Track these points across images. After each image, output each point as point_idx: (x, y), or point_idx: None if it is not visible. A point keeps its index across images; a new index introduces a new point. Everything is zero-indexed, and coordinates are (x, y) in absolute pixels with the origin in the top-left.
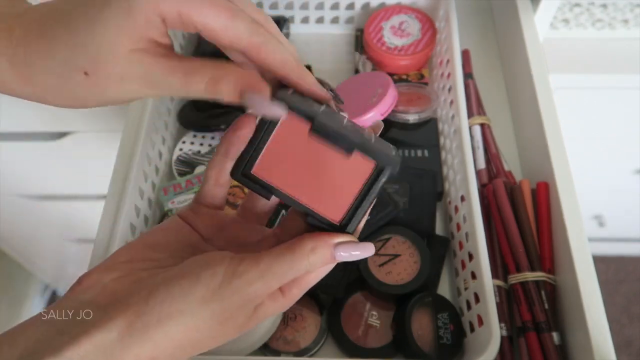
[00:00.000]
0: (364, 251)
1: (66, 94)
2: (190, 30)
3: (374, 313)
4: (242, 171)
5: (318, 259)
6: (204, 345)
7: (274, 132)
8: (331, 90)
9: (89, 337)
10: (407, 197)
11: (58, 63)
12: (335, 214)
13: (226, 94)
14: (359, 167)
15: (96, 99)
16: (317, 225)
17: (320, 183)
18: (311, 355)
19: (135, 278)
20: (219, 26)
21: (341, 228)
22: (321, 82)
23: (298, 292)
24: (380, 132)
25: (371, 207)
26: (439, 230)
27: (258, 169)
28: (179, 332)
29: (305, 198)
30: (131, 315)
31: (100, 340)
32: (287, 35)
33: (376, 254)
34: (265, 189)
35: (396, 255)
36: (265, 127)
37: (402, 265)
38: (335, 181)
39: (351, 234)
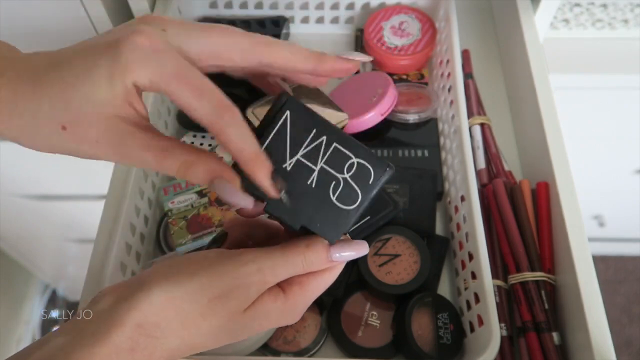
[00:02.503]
0: (358, 250)
1: (40, 141)
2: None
3: (374, 313)
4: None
5: (313, 256)
6: (194, 324)
7: (268, 141)
8: (283, 182)
9: (86, 314)
10: (407, 197)
11: (40, 110)
12: None
13: (196, 179)
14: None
15: (68, 152)
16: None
17: None
18: (311, 355)
19: None
20: (185, 104)
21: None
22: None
23: (300, 293)
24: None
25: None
26: (439, 230)
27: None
28: (163, 300)
29: None
30: (120, 289)
31: (94, 309)
32: (287, 35)
33: (376, 253)
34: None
35: (396, 255)
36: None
37: (402, 265)
38: None
39: (345, 233)
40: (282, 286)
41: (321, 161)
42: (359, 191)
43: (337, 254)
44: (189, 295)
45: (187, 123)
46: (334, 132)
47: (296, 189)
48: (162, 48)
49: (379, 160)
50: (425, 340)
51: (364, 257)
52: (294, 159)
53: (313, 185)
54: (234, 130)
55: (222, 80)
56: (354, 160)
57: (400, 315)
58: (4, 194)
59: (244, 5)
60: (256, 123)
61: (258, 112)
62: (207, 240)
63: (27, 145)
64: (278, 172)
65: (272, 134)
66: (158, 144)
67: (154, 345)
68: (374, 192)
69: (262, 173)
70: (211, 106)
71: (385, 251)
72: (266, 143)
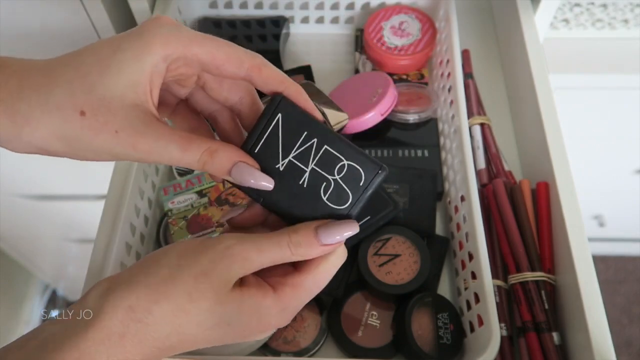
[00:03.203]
0: (347, 228)
1: (50, 129)
2: (192, 68)
3: (374, 313)
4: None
5: (300, 237)
6: (182, 310)
7: (260, 145)
8: None
9: (78, 303)
10: (407, 197)
11: (55, 95)
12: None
13: (218, 166)
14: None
15: (81, 144)
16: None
17: None
18: (311, 355)
19: None
20: (223, 54)
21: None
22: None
23: (292, 294)
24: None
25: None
26: (439, 230)
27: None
28: (154, 282)
29: None
30: (112, 278)
31: (85, 301)
32: (287, 35)
33: (376, 253)
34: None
35: (396, 255)
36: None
37: (402, 265)
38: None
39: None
40: (272, 285)
41: (312, 163)
42: (349, 192)
43: (325, 237)
44: (176, 272)
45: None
46: (325, 134)
47: (288, 188)
48: (178, 25)
49: (372, 163)
50: (425, 340)
51: (364, 258)
52: (286, 160)
53: (305, 185)
54: (271, 65)
55: None
56: (345, 162)
57: (400, 315)
58: (4, 194)
59: (244, 5)
60: None
61: None
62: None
63: (29, 140)
64: (271, 172)
65: (265, 135)
66: (179, 133)
67: (144, 332)
68: (367, 193)
69: (306, 95)
70: (245, 52)
71: (385, 251)
72: (260, 144)
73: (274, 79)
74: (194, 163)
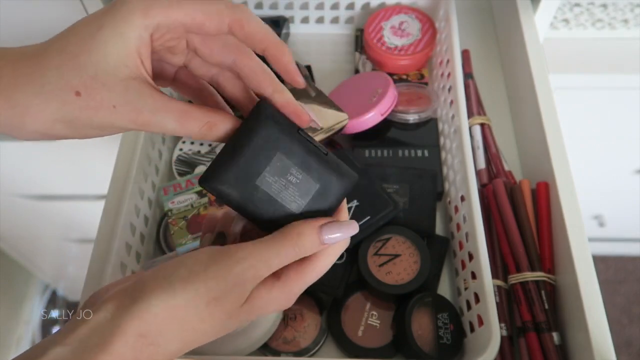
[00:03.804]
0: (348, 229)
1: (49, 114)
2: (177, 33)
3: (374, 313)
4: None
5: (306, 242)
6: (194, 328)
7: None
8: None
9: (86, 322)
10: (407, 197)
11: (48, 80)
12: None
13: (217, 138)
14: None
15: (80, 123)
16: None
17: None
18: (311, 355)
19: None
20: (202, 14)
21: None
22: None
23: (295, 279)
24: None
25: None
26: (439, 230)
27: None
28: (161, 309)
29: None
30: (121, 297)
31: (94, 322)
32: (287, 35)
33: (376, 253)
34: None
35: (396, 255)
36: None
37: (402, 265)
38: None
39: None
40: (276, 273)
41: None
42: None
43: (327, 236)
44: (186, 302)
45: None
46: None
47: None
48: None
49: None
50: (425, 340)
51: (364, 258)
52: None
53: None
54: (255, 19)
55: None
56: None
57: (400, 315)
58: (4, 194)
59: None
60: None
61: None
62: None
63: (31, 127)
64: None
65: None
66: (177, 106)
67: (157, 352)
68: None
69: (289, 56)
70: (227, 6)
71: (385, 251)
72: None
73: (255, 36)
74: (193, 134)
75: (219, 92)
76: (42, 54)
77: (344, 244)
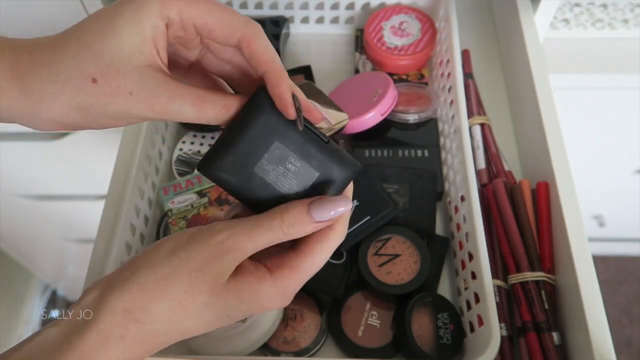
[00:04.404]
0: (340, 204)
1: (64, 102)
2: (189, 32)
3: (374, 313)
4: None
5: (291, 216)
6: (179, 305)
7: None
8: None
9: (77, 303)
10: (407, 197)
11: (64, 69)
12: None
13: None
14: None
15: (96, 111)
16: None
17: None
18: (311, 355)
19: None
20: (217, 19)
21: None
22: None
23: (290, 275)
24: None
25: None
26: (439, 230)
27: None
28: (147, 280)
29: None
30: (112, 276)
31: (84, 302)
32: (287, 35)
33: (376, 253)
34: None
35: (396, 255)
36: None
37: (402, 265)
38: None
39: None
40: (269, 268)
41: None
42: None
43: (318, 213)
44: (171, 271)
45: (187, 123)
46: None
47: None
48: None
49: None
50: (425, 340)
51: (364, 258)
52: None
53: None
54: (264, 40)
55: None
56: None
57: (400, 315)
58: (4, 194)
59: (244, 5)
60: None
61: None
62: None
63: (47, 116)
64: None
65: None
66: (193, 91)
67: (144, 332)
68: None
69: (287, 84)
70: (240, 18)
71: (385, 251)
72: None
73: (259, 57)
74: (210, 120)
75: (231, 87)
76: (59, 44)
77: (339, 237)
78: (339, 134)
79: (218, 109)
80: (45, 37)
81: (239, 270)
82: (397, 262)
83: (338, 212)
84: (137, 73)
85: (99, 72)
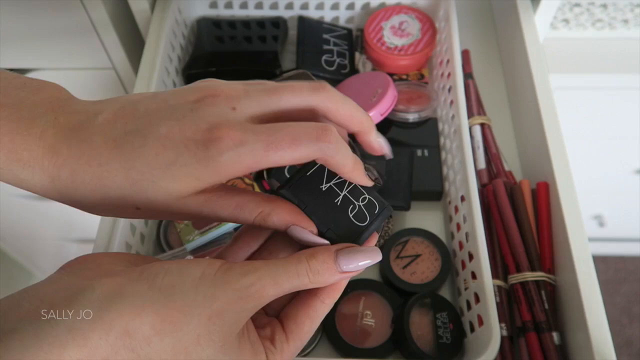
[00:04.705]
0: (370, 256)
1: (106, 211)
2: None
3: (368, 312)
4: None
5: (318, 264)
6: (187, 349)
7: (312, 170)
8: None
9: (70, 302)
10: (383, 171)
11: (109, 198)
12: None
13: (273, 227)
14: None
15: (132, 217)
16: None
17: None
18: (305, 355)
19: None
20: (291, 158)
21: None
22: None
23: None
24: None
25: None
26: (439, 230)
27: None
28: (162, 306)
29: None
30: (122, 275)
31: (86, 300)
32: (286, 35)
33: (398, 257)
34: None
35: (417, 255)
36: (308, 167)
37: (424, 264)
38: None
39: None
40: (265, 346)
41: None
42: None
43: (346, 264)
44: (191, 307)
45: None
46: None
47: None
48: (244, 138)
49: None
50: (424, 340)
51: (387, 263)
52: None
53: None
54: (343, 150)
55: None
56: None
57: (399, 316)
58: (4, 194)
59: (244, 6)
60: None
61: None
62: (215, 233)
63: (88, 211)
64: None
65: (312, 169)
66: (231, 201)
67: None
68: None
69: (365, 180)
70: (314, 142)
71: (405, 253)
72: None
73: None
74: (246, 224)
75: None
76: (104, 162)
77: (327, 310)
78: None
79: (253, 216)
80: (85, 132)
81: (248, 326)
82: (419, 262)
83: (365, 264)
84: (184, 202)
85: (143, 204)
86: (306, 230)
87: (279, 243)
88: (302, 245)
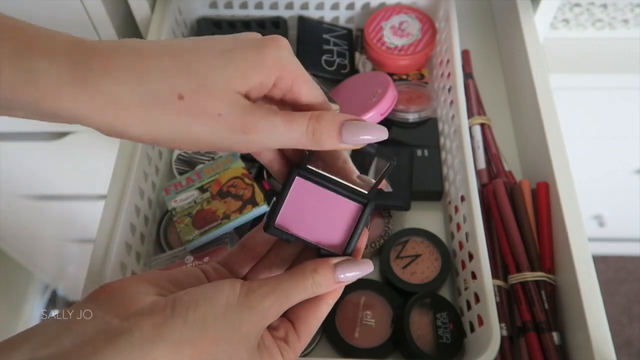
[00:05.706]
0: (362, 268)
1: (143, 117)
2: (282, 91)
3: (368, 312)
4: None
5: (321, 278)
6: None
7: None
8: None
9: (113, 345)
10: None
11: (149, 80)
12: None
13: (329, 129)
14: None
15: (177, 131)
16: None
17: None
18: (306, 355)
19: (157, 297)
20: (313, 99)
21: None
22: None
23: (293, 356)
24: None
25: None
26: (439, 230)
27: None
28: (203, 340)
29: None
30: (158, 319)
31: (125, 342)
32: (286, 35)
33: (398, 257)
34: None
35: (417, 255)
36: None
37: (424, 264)
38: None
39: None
40: (280, 347)
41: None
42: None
43: (343, 275)
44: (222, 337)
45: None
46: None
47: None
48: (293, 54)
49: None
50: (424, 340)
51: (387, 263)
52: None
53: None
54: (322, 122)
55: None
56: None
57: (399, 316)
58: (4, 194)
59: (244, 6)
60: None
61: None
62: (215, 233)
63: (106, 120)
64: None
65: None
66: (280, 111)
67: None
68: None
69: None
70: (325, 101)
71: (405, 253)
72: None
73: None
74: (302, 135)
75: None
76: (148, 52)
77: (330, 307)
78: None
79: (307, 119)
80: (122, 42)
81: (263, 332)
82: (419, 262)
83: (360, 274)
84: (228, 97)
85: (188, 89)
86: (361, 122)
87: (281, 251)
88: (297, 257)
